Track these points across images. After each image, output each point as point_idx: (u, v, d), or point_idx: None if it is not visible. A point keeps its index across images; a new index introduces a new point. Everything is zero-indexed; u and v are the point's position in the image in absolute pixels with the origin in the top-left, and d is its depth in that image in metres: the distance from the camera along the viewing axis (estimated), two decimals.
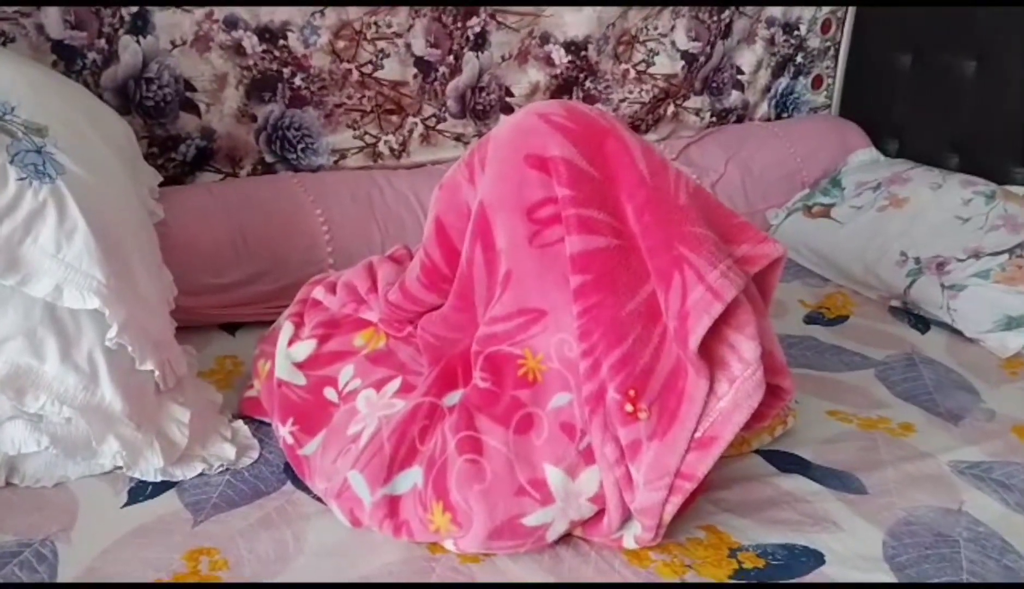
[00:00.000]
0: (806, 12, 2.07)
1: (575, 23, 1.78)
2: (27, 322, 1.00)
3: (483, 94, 1.76)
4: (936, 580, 0.94)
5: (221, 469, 1.07)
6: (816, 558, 0.96)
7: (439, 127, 1.74)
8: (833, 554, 0.97)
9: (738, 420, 0.90)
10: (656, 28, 1.89)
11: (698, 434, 0.91)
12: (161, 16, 1.44)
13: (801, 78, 2.15)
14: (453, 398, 1.01)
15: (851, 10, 2.10)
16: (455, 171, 1.07)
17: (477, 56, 1.72)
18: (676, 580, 0.92)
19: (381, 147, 1.70)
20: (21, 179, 0.99)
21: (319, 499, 1.03)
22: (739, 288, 0.90)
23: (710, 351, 0.91)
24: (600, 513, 0.96)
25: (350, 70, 1.62)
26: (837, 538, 1.00)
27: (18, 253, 0.98)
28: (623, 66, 1.90)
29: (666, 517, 0.92)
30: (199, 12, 1.47)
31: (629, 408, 0.91)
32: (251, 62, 1.54)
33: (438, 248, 1.06)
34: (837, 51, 2.16)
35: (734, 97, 2.08)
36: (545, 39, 1.78)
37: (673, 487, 0.91)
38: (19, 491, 1.02)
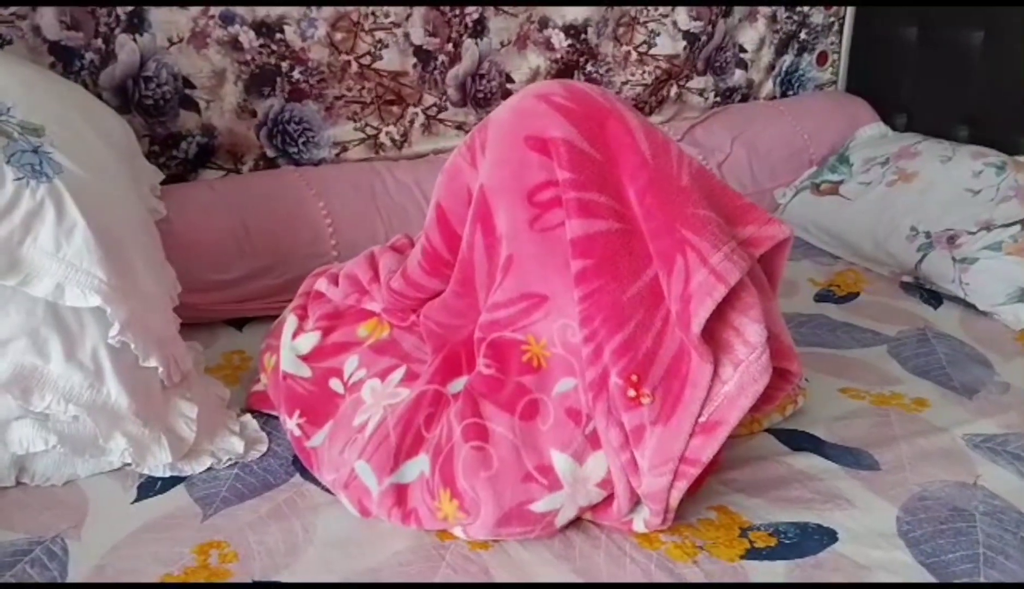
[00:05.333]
0: None
1: (574, 6, 1.76)
2: (30, 322, 1.00)
3: (483, 81, 1.75)
4: (952, 555, 0.93)
5: (230, 463, 1.08)
6: (829, 536, 0.95)
7: (440, 116, 1.73)
8: (846, 531, 0.96)
9: (743, 404, 0.89)
10: (656, 8, 1.87)
11: (703, 419, 0.90)
12: (157, 14, 1.44)
13: (805, 55, 2.13)
14: (457, 385, 1.01)
15: None
16: (456, 155, 1.06)
17: (476, 43, 1.71)
18: (688, 562, 0.92)
19: (383, 138, 1.69)
20: (18, 179, 0.99)
21: (328, 490, 1.03)
22: (743, 271, 0.89)
23: (714, 335, 0.90)
24: (609, 497, 0.95)
25: (349, 62, 1.61)
26: (850, 515, 0.99)
27: (18, 253, 0.98)
28: (624, 48, 1.88)
29: (672, 502, 0.91)
30: (195, 8, 1.46)
31: (632, 393, 0.90)
32: (249, 57, 1.53)
33: (439, 233, 1.05)
34: (842, 26, 2.13)
35: (738, 76, 2.05)
36: (544, 23, 1.77)
37: (678, 472, 0.90)
38: (29, 490, 1.02)
